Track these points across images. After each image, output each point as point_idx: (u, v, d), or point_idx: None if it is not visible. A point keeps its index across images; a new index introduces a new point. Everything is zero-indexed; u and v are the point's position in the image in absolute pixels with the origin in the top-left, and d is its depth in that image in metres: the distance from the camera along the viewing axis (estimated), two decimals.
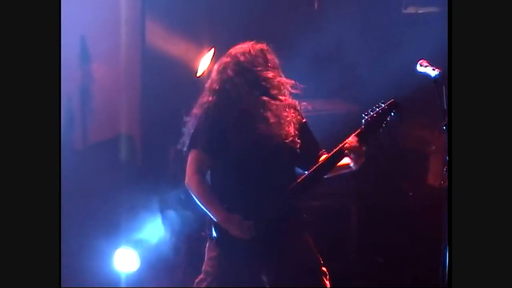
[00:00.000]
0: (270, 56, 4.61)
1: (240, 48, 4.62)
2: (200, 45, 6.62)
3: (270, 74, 4.57)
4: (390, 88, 6.32)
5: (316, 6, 7.25)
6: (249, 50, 4.60)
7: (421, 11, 7.12)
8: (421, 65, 4.43)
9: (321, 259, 4.66)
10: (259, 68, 4.56)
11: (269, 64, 4.59)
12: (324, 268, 4.65)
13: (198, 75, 6.28)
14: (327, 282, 4.64)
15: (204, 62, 6.24)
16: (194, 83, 6.21)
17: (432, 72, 4.33)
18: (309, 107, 4.75)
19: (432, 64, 4.37)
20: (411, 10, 7.18)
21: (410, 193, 6.98)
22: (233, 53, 4.62)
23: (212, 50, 6.21)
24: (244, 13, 6.81)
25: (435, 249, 4.18)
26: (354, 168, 4.53)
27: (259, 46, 4.63)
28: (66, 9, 6.29)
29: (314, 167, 4.55)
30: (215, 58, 6.02)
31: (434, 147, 6.82)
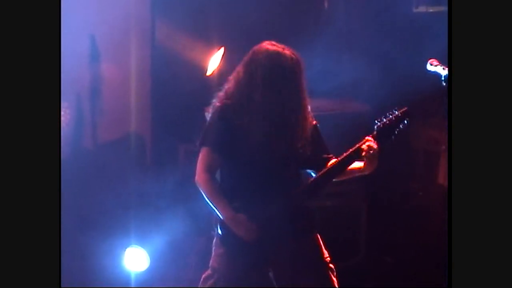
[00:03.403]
0: (301, 65, 4.46)
1: (272, 52, 4.45)
2: (210, 44, 6.62)
3: (298, 83, 4.46)
4: (400, 87, 6.33)
5: (326, 5, 7.25)
6: (282, 56, 4.43)
7: (431, 10, 7.11)
8: (431, 64, 4.41)
9: (328, 255, 4.65)
10: (289, 77, 4.42)
11: (300, 72, 4.45)
12: (331, 265, 4.65)
13: (207, 74, 6.27)
14: (334, 279, 4.64)
15: (214, 61, 6.23)
16: (204, 82, 6.21)
17: (443, 71, 4.32)
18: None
19: (442, 63, 4.36)
20: (421, 9, 7.17)
21: (420, 193, 6.97)
22: (263, 56, 4.45)
23: (222, 49, 6.20)
24: (254, 12, 6.80)
25: (445, 249, 4.17)
26: (366, 172, 4.49)
27: (292, 52, 4.45)
28: (76, 9, 6.34)
29: (326, 169, 4.52)
30: (225, 57, 6.02)
31: (443, 147, 6.80)
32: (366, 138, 4.47)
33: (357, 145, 4.45)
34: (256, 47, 4.53)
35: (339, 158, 4.52)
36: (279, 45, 4.49)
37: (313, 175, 4.59)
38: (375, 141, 4.46)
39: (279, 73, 4.42)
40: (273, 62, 4.43)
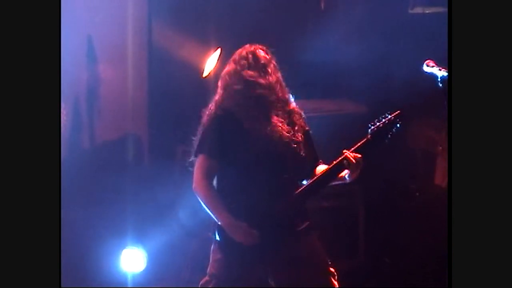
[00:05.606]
0: (267, 60, 4.57)
1: (237, 55, 4.61)
2: (207, 46, 6.63)
3: (270, 79, 4.54)
4: (397, 88, 6.34)
5: (322, 6, 7.26)
6: (244, 55, 4.57)
7: (427, 11, 7.12)
8: (427, 66, 4.42)
9: (328, 260, 4.65)
10: (258, 74, 4.52)
11: (268, 68, 4.55)
12: (332, 269, 4.64)
13: (204, 75, 6.28)
14: (335, 283, 4.62)
15: (211, 63, 6.24)
16: (201, 84, 6.22)
17: (439, 72, 4.33)
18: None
19: (439, 64, 4.37)
20: (417, 10, 7.18)
21: (417, 194, 6.98)
22: (232, 60, 4.62)
23: (219, 51, 6.21)
24: (251, 14, 6.81)
25: (443, 249, 4.18)
26: (348, 180, 4.51)
27: (252, 49, 4.60)
28: (73, 9, 6.34)
29: (315, 178, 4.54)
30: (222, 58, 6.02)
31: (441, 148, 6.81)
32: (350, 150, 4.49)
33: (343, 156, 4.46)
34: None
35: (327, 168, 4.53)
36: (256, 46, 4.61)
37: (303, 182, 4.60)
38: (368, 146, 4.48)
39: (256, 70, 4.52)
40: (249, 60, 4.54)
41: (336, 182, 4.56)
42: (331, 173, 4.51)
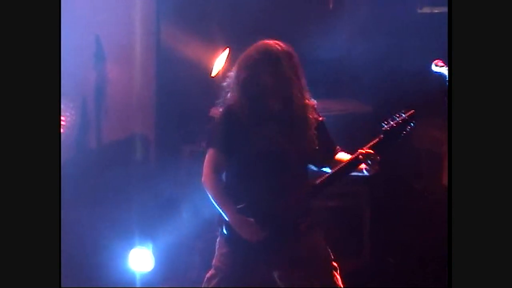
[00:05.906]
0: (294, 58, 4.51)
1: (262, 47, 4.52)
2: (215, 45, 6.63)
3: (292, 76, 4.48)
4: (403, 88, 6.34)
5: (331, 6, 7.26)
6: (271, 49, 4.49)
7: (436, 11, 7.11)
8: (436, 65, 4.42)
9: (331, 254, 4.65)
10: (281, 69, 4.46)
11: (293, 65, 4.49)
12: (334, 263, 4.64)
13: (213, 75, 6.28)
14: (338, 277, 4.64)
15: (219, 62, 6.25)
16: (209, 83, 6.22)
17: (447, 72, 4.33)
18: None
19: (447, 64, 4.36)
20: (426, 10, 7.18)
21: (425, 193, 6.98)
22: (254, 52, 4.52)
23: (227, 50, 6.21)
24: (259, 13, 6.81)
25: (444, 249, 4.18)
26: (367, 174, 4.50)
27: (283, 46, 4.51)
28: (81, 10, 6.36)
29: (333, 171, 4.53)
30: (230, 58, 6.03)
31: (446, 147, 6.80)
32: (367, 146, 4.50)
33: (360, 151, 4.47)
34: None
35: (345, 162, 4.53)
36: (271, 40, 4.54)
37: (324, 170, 4.60)
38: (381, 145, 4.47)
39: (268, 65, 4.45)
40: (261, 53, 4.48)
41: (356, 173, 4.54)
42: (348, 168, 4.50)
